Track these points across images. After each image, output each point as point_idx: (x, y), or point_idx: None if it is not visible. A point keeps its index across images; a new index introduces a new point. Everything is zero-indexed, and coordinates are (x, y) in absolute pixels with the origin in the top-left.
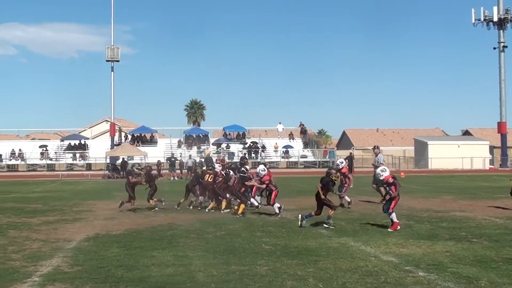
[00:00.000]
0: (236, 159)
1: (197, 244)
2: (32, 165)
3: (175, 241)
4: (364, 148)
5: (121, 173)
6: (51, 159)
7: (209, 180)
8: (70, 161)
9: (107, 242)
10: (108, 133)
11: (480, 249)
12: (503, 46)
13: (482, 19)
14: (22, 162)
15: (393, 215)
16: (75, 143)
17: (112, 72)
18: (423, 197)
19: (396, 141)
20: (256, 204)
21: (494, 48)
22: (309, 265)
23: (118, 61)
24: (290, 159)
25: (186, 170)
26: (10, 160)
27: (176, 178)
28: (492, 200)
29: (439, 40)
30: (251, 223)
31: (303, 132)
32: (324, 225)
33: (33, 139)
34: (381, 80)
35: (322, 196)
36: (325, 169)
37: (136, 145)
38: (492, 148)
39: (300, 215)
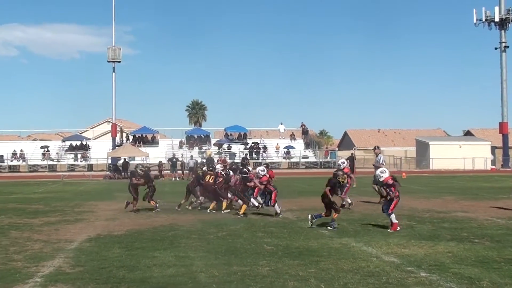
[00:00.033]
0: (237, 160)
1: (199, 244)
2: (34, 165)
3: (177, 241)
4: (365, 149)
5: (123, 173)
6: (52, 160)
7: (210, 181)
8: (71, 161)
9: (108, 243)
10: (110, 134)
11: (482, 250)
12: (505, 46)
13: (483, 19)
14: (24, 163)
15: (393, 216)
16: (76, 144)
17: (114, 73)
18: (424, 198)
19: (397, 141)
20: (257, 204)
21: (496, 48)
22: (310, 266)
23: (119, 61)
24: (292, 160)
25: (187, 171)
26: (12, 160)
27: (177, 178)
28: (494, 201)
29: (440, 40)
30: (253, 224)
31: (305, 132)
32: (328, 227)
33: (34, 139)
34: (382, 80)
35: (332, 199)
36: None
37: (138, 146)
38: (493, 149)
39: (309, 215)
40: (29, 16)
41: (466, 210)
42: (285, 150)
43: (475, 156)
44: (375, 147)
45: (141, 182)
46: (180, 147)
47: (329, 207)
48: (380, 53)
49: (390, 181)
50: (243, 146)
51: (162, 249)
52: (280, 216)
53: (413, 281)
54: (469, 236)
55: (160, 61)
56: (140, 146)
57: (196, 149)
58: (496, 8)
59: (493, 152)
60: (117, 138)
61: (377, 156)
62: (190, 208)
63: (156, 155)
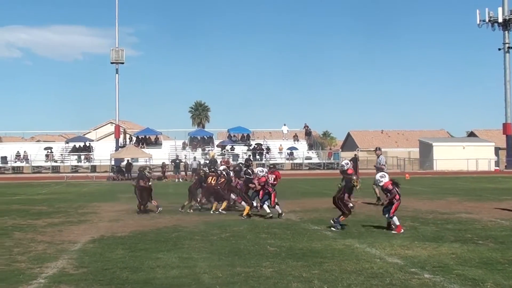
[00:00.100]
0: (240, 161)
1: (202, 246)
2: (37, 167)
3: (180, 243)
4: (368, 150)
5: (126, 175)
6: (56, 161)
7: (212, 182)
8: (75, 163)
9: (112, 244)
10: (113, 135)
11: (485, 251)
12: (508, 47)
13: (487, 20)
14: (27, 164)
15: (395, 219)
16: (80, 145)
17: (117, 74)
18: (428, 199)
19: (401, 142)
20: (255, 204)
21: (499, 49)
22: (314, 267)
23: (122, 63)
24: (295, 161)
25: (191, 172)
26: (15, 162)
27: (180, 180)
28: (498, 202)
29: (444, 40)
30: (256, 225)
31: (308, 133)
32: (332, 228)
33: (38, 141)
34: (385, 81)
35: (345, 198)
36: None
37: (141, 147)
38: (497, 150)
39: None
40: (33, 17)
41: (470, 211)
42: (288, 151)
43: (478, 157)
44: (376, 148)
45: (148, 185)
46: (183, 148)
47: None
48: (383, 54)
49: (390, 187)
50: (246, 147)
51: (165, 250)
52: (283, 215)
53: (416, 282)
54: (473, 238)
55: (163, 62)
56: (143, 148)
57: (199, 150)
58: (500, 9)
59: (496, 153)
60: (121, 140)
61: (378, 157)
62: (191, 211)
63: (159, 156)
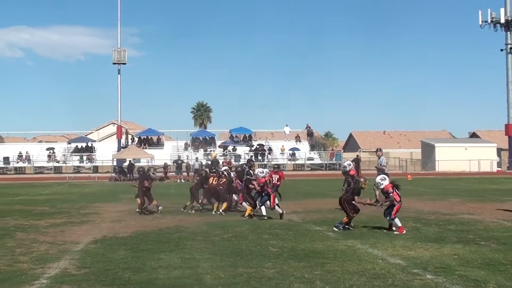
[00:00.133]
0: (242, 162)
1: (204, 246)
2: (39, 167)
3: (182, 243)
4: (370, 151)
5: (128, 175)
6: (58, 162)
7: (213, 182)
8: (77, 163)
9: (114, 245)
10: (115, 136)
11: (488, 252)
12: (510, 48)
13: (489, 21)
14: (29, 165)
15: (396, 220)
16: (82, 146)
17: (119, 75)
18: (430, 200)
19: (403, 143)
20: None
21: (501, 50)
22: (316, 268)
23: (125, 63)
24: (297, 162)
25: (193, 173)
26: (18, 162)
27: (182, 180)
28: (500, 203)
29: (446, 41)
30: (258, 226)
31: (310, 134)
32: (334, 228)
33: (40, 141)
34: (387, 82)
35: (357, 199)
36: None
37: (143, 148)
38: (499, 151)
39: (337, 228)
40: (35, 18)
41: (472, 212)
42: (290, 152)
43: (481, 158)
44: (377, 149)
45: (151, 186)
46: (185, 149)
47: (353, 208)
48: (385, 54)
49: (390, 190)
50: (248, 148)
51: (167, 251)
52: (285, 215)
53: (419, 283)
54: (475, 238)
55: (165, 63)
56: (146, 148)
57: (201, 151)
58: (502, 10)
59: (499, 154)
60: (123, 140)
61: (379, 158)
62: (192, 212)
63: (161, 157)
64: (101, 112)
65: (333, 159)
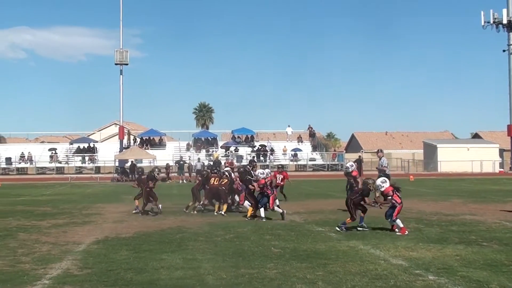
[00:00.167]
0: (245, 162)
1: (206, 247)
2: (41, 168)
3: (184, 244)
4: (373, 151)
5: (130, 176)
6: (60, 162)
7: (214, 183)
8: (79, 164)
9: (116, 245)
10: (117, 136)
11: (490, 253)
12: None
13: (491, 22)
14: (32, 165)
15: (398, 221)
16: (84, 146)
17: (121, 76)
18: (432, 201)
19: (405, 144)
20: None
21: (504, 51)
22: (318, 269)
23: (127, 64)
24: (299, 162)
25: (195, 173)
26: (20, 163)
27: (184, 181)
28: (503, 204)
29: (448, 42)
30: (260, 226)
31: (312, 135)
32: (337, 228)
33: (42, 142)
34: (389, 82)
35: (367, 201)
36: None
37: (145, 148)
38: (502, 151)
39: (362, 227)
40: (37, 19)
41: (474, 213)
42: (292, 152)
43: (483, 158)
44: (378, 150)
45: (155, 186)
46: (188, 149)
47: (362, 208)
48: (386, 55)
49: (391, 193)
50: (250, 149)
51: (169, 251)
52: (285, 214)
53: (421, 284)
54: (477, 239)
55: (168, 63)
56: (148, 149)
57: (203, 151)
58: (504, 11)
59: (501, 155)
60: (125, 141)
61: (380, 159)
62: (194, 212)
63: (163, 157)
64: (103, 113)
65: (335, 160)
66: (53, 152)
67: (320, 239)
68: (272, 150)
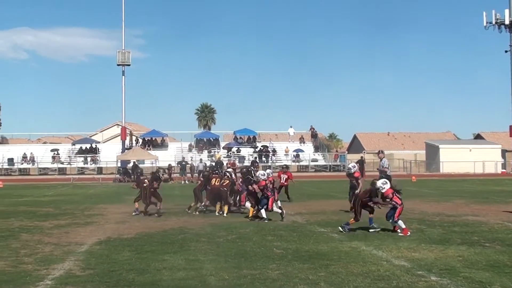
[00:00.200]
0: (246, 163)
1: (208, 248)
2: (44, 168)
3: (186, 245)
4: (375, 152)
5: (132, 176)
6: (62, 163)
7: (216, 183)
8: (81, 165)
9: (118, 246)
10: (119, 137)
11: (493, 254)
12: None
13: (493, 22)
14: (34, 166)
15: (400, 222)
16: (86, 147)
17: (123, 76)
18: (434, 201)
19: (407, 145)
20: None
21: (506, 51)
22: (320, 269)
23: (129, 65)
24: (301, 163)
25: (197, 174)
26: (22, 164)
27: (187, 182)
28: (505, 205)
29: (450, 42)
30: (262, 227)
31: (314, 135)
32: (339, 228)
33: (44, 143)
34: (391, 83)
35: (377, 201)
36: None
37: (147, 149)
38: (504, 152)
39: (373, 228)
40: (39, 20)
41: (477, 213)
42: (295, 153)
43: (485, 159)
44: (379, 151)
45: (158, 186)
46: (190, 150)
47: (369, 208)
48: (389, 56)
49: (390, 195)
50: (252, 149)
51: (172, 252)
52: (284, 215)
53: (423, 285)
54: (479, 240)
55: (170, 64)
56: (150, 149)
57: (205, 152)
58: (506, 11)
59: (503, 156)
60: (127, 141)
61: (381, 160)
62: (196, 213)
63: (165, 158)
64: (105, 114)
65: (337, 161)
66: (55, 152)
67: (322, 240)
68: (274, 151)
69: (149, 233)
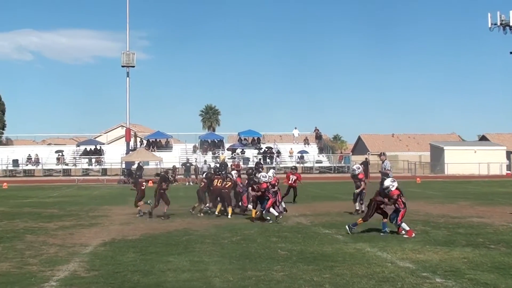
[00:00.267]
0: (251, 165)
1: (213, 249)
2: (48, 170)
3: (191, 246)
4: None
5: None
6: (67, 164)
7: (218, 185)
8: (86, 166)
9: (123, 247)
10: (124, 139)
11: (498, 256)
12: None
13: (498, 24)
14: (38, 167)
15: (403, 225)
16: (90, 148)
17: (128, 78)
18: (439, 203)
19: (412, 146)
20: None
21: (511, 53)
22: (325, 271)
23: (133, 66)
24: (305, 164)
25: (201, 175)
26: (27, 165)
27: (191, 183)
28: (510, 206)
29: (455, 44)
30: (267, 229)
31: (318, 137)
32: (346, 227)
33: (49, 144)
34: (396, 85)
35: (384, 201)
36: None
37: (152, 150)
38: (509, 154)
39: (382, 232)
40: (44, 21)
41: (482, 215)
42: (299, 154)
43: (490, 161)
44: (381, 153)
45: (167, 187)
46: (194, 151)
47: (380, 211)
48: (393, 57)
49: (395, 196)
50: (256, 151)
51: (176, 253)
52: (280, 217)
53: (428, 286)
54: (484, 242)
55: (174, 66)
56: (154, 151)
57: (209, 153)
58: (511, 12)
59: (508, 157)
60: (131, 143)
61: (383, 162)
62: (201, 215)
63: (170, 159)
64: (109, 115)
65: (342, 162)
66: (60, 154)
67: (327, 242)
68: (278, 152)
69: (154, 234)
